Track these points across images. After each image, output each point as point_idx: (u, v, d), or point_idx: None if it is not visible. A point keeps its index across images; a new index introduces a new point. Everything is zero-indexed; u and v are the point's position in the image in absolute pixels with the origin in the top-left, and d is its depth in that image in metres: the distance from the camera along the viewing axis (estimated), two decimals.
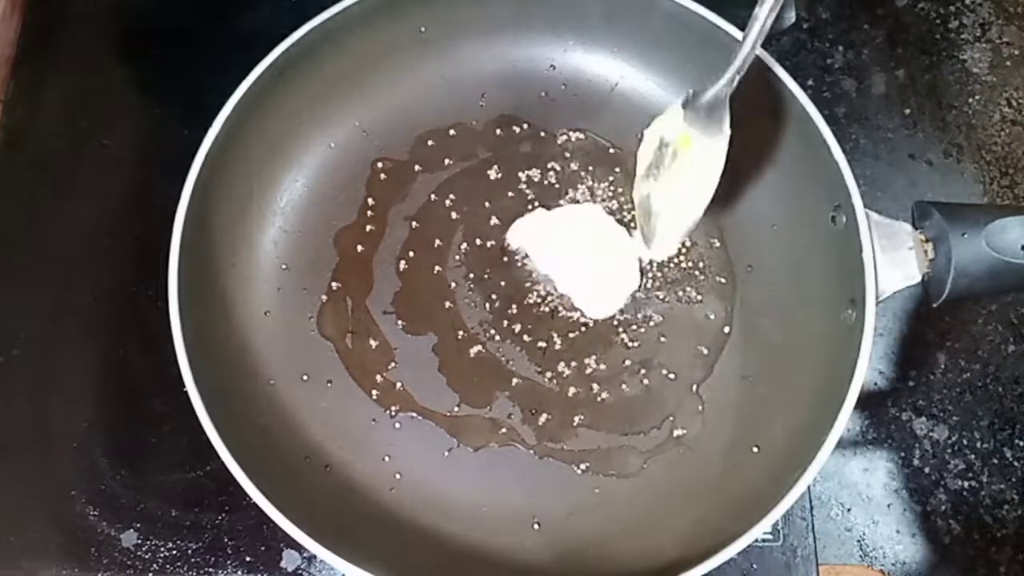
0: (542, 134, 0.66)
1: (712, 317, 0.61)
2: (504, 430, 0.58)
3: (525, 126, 0.66)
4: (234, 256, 0.60)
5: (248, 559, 0.58)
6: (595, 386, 0.59)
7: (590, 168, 0.65)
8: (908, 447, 0.66)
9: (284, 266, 0.62)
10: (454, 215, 0.63)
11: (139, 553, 0.58)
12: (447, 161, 0.65)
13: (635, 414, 0.59)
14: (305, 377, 0.59)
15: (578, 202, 0.64)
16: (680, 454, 0.58)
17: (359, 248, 0.62)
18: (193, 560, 0.58)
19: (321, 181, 0.64)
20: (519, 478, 0.57)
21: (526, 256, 0.62)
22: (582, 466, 0.57)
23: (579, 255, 0.61)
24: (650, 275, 0.62)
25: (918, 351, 0.69)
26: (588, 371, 0.60)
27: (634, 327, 0.61)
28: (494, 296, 0.61)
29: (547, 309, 0.61)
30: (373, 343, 0.60)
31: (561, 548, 0.55)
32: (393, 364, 0.59)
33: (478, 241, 0.63)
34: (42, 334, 0.64)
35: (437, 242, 0.63)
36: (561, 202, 0.64)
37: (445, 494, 0.56)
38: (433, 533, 0.55)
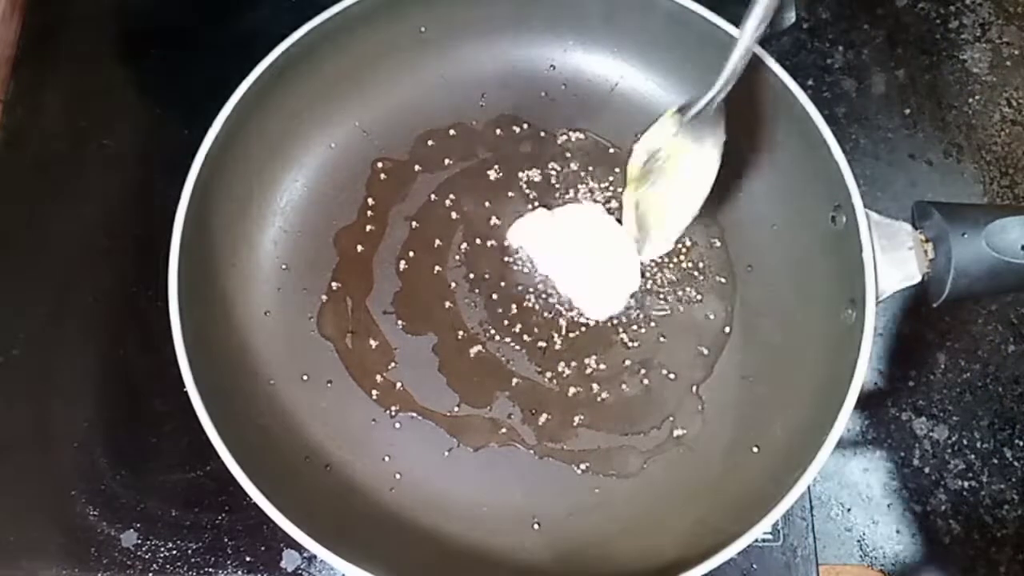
0: (542, 134, 0.66)
1: (712, 317, 0.61)
2: (504, 430, 0.58)
3: (525, 126, 0.66)
4: (234, 256, 0.60)
5: (248, 559, 0.58)
6: (595, 386, 0.59)
7: (590, 168, 0.65)
8: (908, 447, 0.66)
9: (284, 266, 0.62)
10: (454, 215, 0.63)
11: (139, 553, 0.58)
12: (447, 161, 0.65)
13: (635, 414, 0.59)
14: (305, 377, 0.59)
15: (578, 202, 0.64)
16: (680, 454, 0.58)
17: (359, 248, 0.62)
18: (193, 560, 0.58)
19: (321, 181, 0.64)
20: (519, 478, 0.57)
21: (526, 256, 0.62)
22: (582, 466, 0.57)
23: (579, 255, 0.61)
24: (650, 275, 0.62)
25: (918, 351, 0.69)
26: (588, 371, 0.60)
27: (634, 327, 0.61)
28: (494, 296, 0.61)
29: (547, 309, 0.61)
30: (373, 343, 0.60)
31: (561, 548, 0.55)
32: (393, 364, 0.60)
33: (478, 241, 0.63)
34: (42, 334, 0.64)
35: (437, 242, 0.63)
36: (561, 202, 0.64)
37: (445, 494, 0.56)
38: (433, 533, 0.55)
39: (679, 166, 0.54)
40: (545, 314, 0.61)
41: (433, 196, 0.64)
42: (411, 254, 0.62)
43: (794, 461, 0.50)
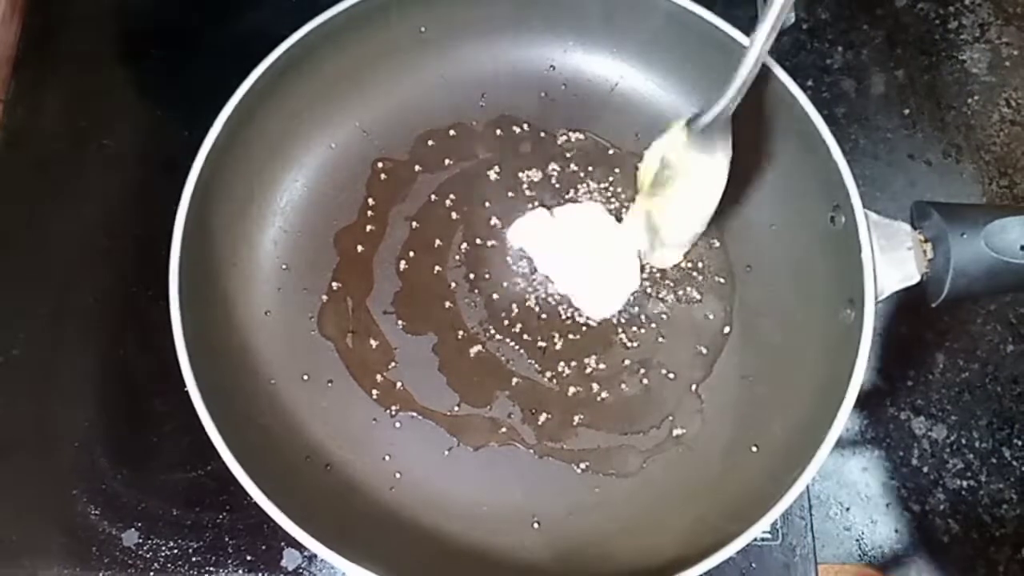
0: (542, 134, 0.66)
1: (711, 317, 0.61)
2: (504, 429, 0.58)
3: (525, 126, 0.66)
4: (235, 256, 0.60)
5: (249, 558, 0.58)
6: (595, 386, 0.59)
7: (590, 168, 0.65)
8: (907, 446, 0.66)
9: (284, 266, 0.62)
10: (454, 215, 0.63)
11: (140, 552, 0.58)
12: (447, 161, 0.65)
13: (635, 414, 0.59)
14: (306, 377, 0.59)
15: (578, 202, 0.64)
16: (679, 453, 0.58)
17: (359, 248, 0.62)
18: (194, 559, 0.58)
19: (321, 181, 0.64)
20: (519, 477, 0.57)
21: (526, 256, 0.62)
22: (582, 465, 0.57)
23: (579, 255, 0.61)
24: (650, 275, 0.62)
25: (917, 351, 0.69)
26: (588, 371, 0.60)
27: (634, 327, 0.61)
28: (494, 296, 0.61)
29: (547, 309, 0.61)
30: (373, 343, 0.60)
31: (561, 547, 0.55)
32: (393, 364, 0.60)
33: (478, 241, 0.63)
34: (43, 334, 0.64)
35: (437, 242, 0.63)
36: (561, 202, 0.64)
37: (445, 493, 0.56)
38: (433, 532, 0.55)
39: (689, 177, 0.55)
40: (545, 314, 0.61)
41: (433, 196, 0.64)
42: (411, 254, 0.62)
43: (793, 460, 0.50)
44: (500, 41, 0.66)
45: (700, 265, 0.62)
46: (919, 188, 0.73)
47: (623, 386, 0.59)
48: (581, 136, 0.66)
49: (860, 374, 0.50)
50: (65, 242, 0.67)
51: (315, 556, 0.58)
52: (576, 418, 0.59)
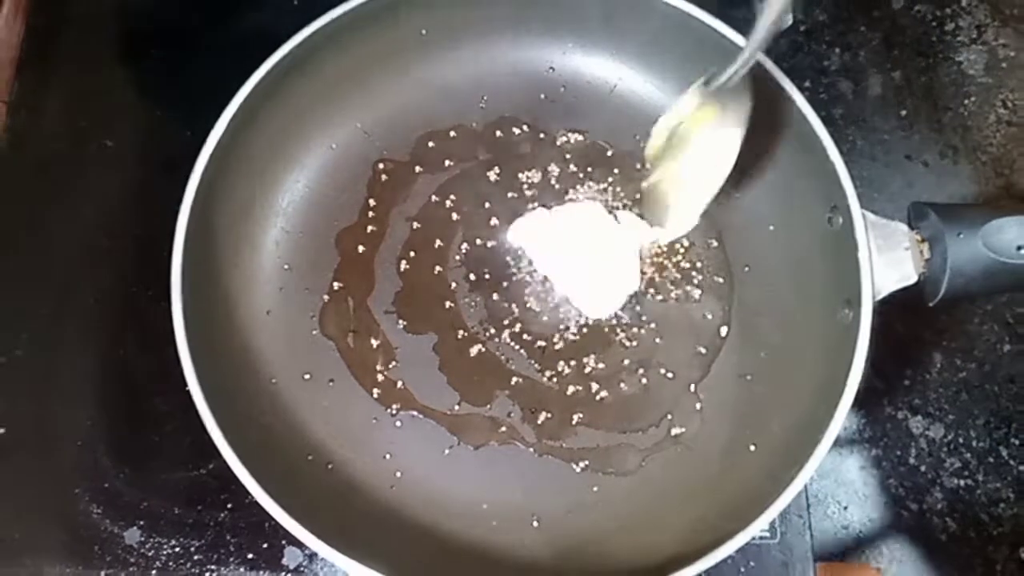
0: (541, 135, 0.66)
1: (710, 317, 0.61)
2: (504, 428, 0.58)
3: (525, 127, 0.66)
4: (236, 256, 0.60)
5: (250, 556, 0.58)
6: (594, 385, 0.60)
7: (589, 169, 0.65)
8: (904, 446, 0.67)
9: (286, 266, 0.62)
10: (454, 216, 0.64)
11: (142, 550, 0.58)
12: (448, 162, 0.65)
13: (633, 413, 0.59)
14: (307, 376, 0.59)
15: (578, 202, 0.64)
16: (678, 452, 0.58)
17: (360, 248, 0.63)
18: (196, 557, 0.58)
19: (323, 182, 0.64)
20: (519, 476, 0.57)
21: (526, 256, 0.63)
22: (581, 464, 0.58)
23: (579, 255, 0.61)
24: (649, 275, 0.62)
25: (914, 350, 0.70)
26: (587, 370, 0.60)
27: (633, 327, 0.61)
28: (494, 296, 0.62)
29: (547, 309, 0.61)
30: (374, 342, 0.60)
31: (560, 545, 0.55)
32: (394, 363, 0.60)
33: (478, 241, 0.63)
34: (44, 334, 0.64)
35: (438, 242, 0.63)
36: (560, 202, 0.64)
37: (445, 492, 0.57)
38: (433, 530, 0.55)
39: (701, 138, 0.54)
40: (545, 314, 0.61)
41: (434, 197, 0.64)
42: (412, 254, 0.63)
43: (791, 459, 0.51)
44: (500, 43, 0.66)
45: (699, 265, 0.63)
46: (916, 189, 0.73)
47: (622, 385, 0.60)
48: (580, 137, 0.66)
49: (858, 373, 0.50)
50: (66, 242, 0.67)
51: (316, 554, 0.58)
52: (575, 417, 0.59)
